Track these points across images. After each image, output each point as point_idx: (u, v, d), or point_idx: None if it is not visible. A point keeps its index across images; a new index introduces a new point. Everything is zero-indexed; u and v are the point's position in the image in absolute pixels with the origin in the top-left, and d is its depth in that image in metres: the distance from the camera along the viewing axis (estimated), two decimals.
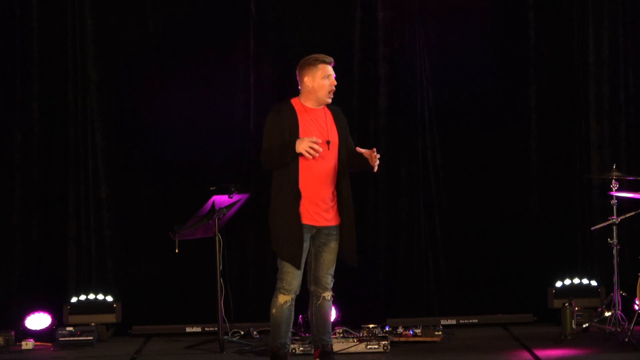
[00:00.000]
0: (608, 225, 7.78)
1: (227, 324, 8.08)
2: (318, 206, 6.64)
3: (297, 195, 6.57)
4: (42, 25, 8.62)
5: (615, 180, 7.72)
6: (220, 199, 7.73)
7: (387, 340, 7.61)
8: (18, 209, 8.62)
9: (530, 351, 7.51)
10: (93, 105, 8.66)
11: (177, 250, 7.79)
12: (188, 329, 8.54)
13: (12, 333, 8.21)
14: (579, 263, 8.78)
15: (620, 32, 8.82)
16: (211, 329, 8.37)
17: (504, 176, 8.80)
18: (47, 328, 8.39)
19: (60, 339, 8.13)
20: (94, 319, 8.39)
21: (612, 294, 7.81)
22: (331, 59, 6.69)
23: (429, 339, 7.90)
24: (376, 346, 7.57)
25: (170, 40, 8.70)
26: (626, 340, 7.42)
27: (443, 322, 8.50)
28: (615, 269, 7.71)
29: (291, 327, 6.78)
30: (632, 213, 7.80)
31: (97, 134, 8.67)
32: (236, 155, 8.61)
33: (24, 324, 8.38)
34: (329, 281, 6.79)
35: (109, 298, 8.47)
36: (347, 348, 7.54)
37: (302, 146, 6.49)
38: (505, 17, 8.85)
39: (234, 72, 8.73)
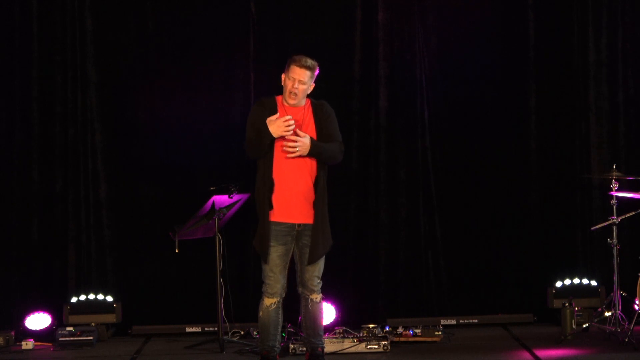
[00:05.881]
0: (608, 225, 7.78)
1: (227, 324, 8.09)
2: (293, 197, 6.64)
3: (271, 185, 6.62)
4: (42, 25, 8.62)
5: (615, 180, 7.72)
6: (220, 199, 7.74)
7: (387, 340, 7.61)
8: (18, 209, 8.62)
9: (530, 351, 7.51)
10: (93, 105, 8.66)
11: (177, 250, 7.80)
12: (188, 329, 8.54)
13: (12, 333, 8.22)
14: (579, 263, 8.79)
15: (620, 33, 8.82)
16: (211, 329, 8.37)
17: (504, 176, 8.80)
18: (47, 328, 8.40)
19: (60, 339, 8.13)
20: (94, 319, 8.39)
21: (612, 294, 7.81)
22: (308, 64, 6.64)
23: (429, 339, 7.90)
24: (376, 346, 7.58)
25: (170, 40, 8.70)
26: (626, 340, 7.43)
27: (443, 322, 8.50)
28: (615, 269, 7.71)
29: (280, 329, 6.80)
30: (632, 213, 7.80)
31: (97, 134, 8.67)
32: (236, 155, 8.59)
33: (24, 324, 8.38)
34: (316, 283, 6.79)
35: (109, 298, 8.48)
36: (347, 348, 7.54)
37: (277, 130, 6.55)
38: (505, 17, 8.85)
39: (234, 72, 8.73)
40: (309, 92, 6.76)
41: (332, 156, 6.73)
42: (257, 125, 6.66)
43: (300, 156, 6.61)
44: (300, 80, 6.65)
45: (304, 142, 6.58)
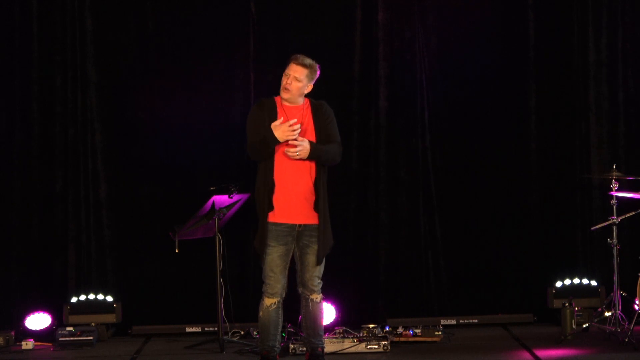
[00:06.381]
0: (608, 225, 7.78)
1: (227, 324, 8.09)
2: (294, 198, 6.64)
3: (271, 186, 6.62)
4: (42, 25, 8.62)
5: (615, 180, 7.73)
6: (220, 199, 7.74)
7: (387, 340, 7.61)
8: (18, 209, 8.62)
9: (530, 351, 7.51)
10: (93, 105, 8.66)
11: (177, 250, 7.80)
12: (188, 329, 8.54)
13: (12, 333, 8.22)
14: (579, 263, 8.79)
15: (620, 33, 8.82)
16: (211, 329, 8.37)
17: (504, 176, 8.80)
18: (47, 328, 8.40)
19: (60, 339, 8.13)
20: (94, 319, 8.39)
21: (612, 294, 7.81)
22: (306, 62, 6.67)
23: (429, 339, 7.90)
24: (376, 346, 7.57)
25: (170, 40, 8.70)
26: (626, 340, 7.42)
27: (443, 322, 8.50)
28: (615, 269, 7.71)
29: (280, 329, 6.80)
30: (632, 213, 7.80)
31: (97, 134, 8.67)
32: (236, 155, 8.61)
33: (24, 324, 8.38)
34: (316, 283, 6.79)
35: (109, 298, 8.48)
36: (347, 348, 7.54)
37: (283, 135, 6.56)
38: (505, 17, 8.85)
39: (234, 72, 8.73)
40: (305, 91, 6.75)
41: (331, 158, 6.75)
42: (259, 127, 6.65)
43: (300, 159, 6.63)
44: (295, 77, 6.66)
45: (304, 145, 6.59)
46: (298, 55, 6.73)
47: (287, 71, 6.71)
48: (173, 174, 8.68)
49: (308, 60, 6.71)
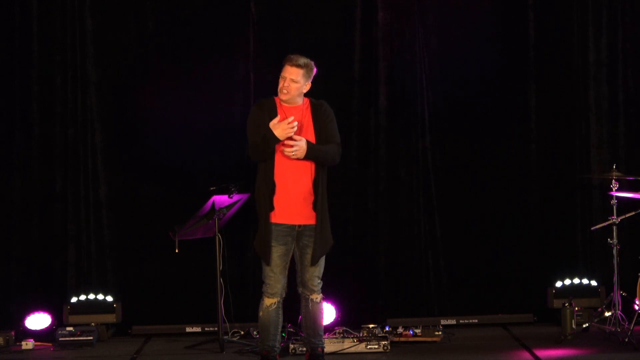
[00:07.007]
0: (608, 225, 7.78)
1: (227, 324, 8.09)
2: (293, 198, 6.64)
3: (273, 186, 6.62)
4: (42, 25, 8.62)
5: (615, 180, 7.73)
6: (220, 199, 7.74)
7: (387, 340, 7.61)
8: (18, 209, 8.62)
9: (530, 351, 7.51)
10: (93, 105, 8.66)
11: (177, 250, 7.80)
12: (188, 329, 8.54)
13: (12, 333, 8.22)
14: (579, 263, 8.79)
15: (620, 33, 8.82)
16: (211, 329, 8.37)
17: (504, 176, 8.80)
18: (47, 328, 8.40)
19: (60, 339, 8.13)
20: (94, 319, 8.40)
21: (612, 294, 7.81)
22: (300, 62, 6.66)
23: (429, 339, 7.90)
24: (376, 346, 7.58)
25: (170, 40, 8.70)
26: (626, 340, 7.43)
27: (443, 322, 8.50)
28: (615, 269, 7.71)
29: (280, 329, 6.80)
30: (632, 213, 7.80)
31: (97, 134, 8.67)
32: (236, 155, 8.61)
33: (24, 324, 8.38)
34: (316, 283, 6.79)
35: (109, 298, 8.48)
36: (347, 348, 7.54)
37: (282, 133, 6.56)
38: (505, 17, 8.85)
39: (234, 72, 8.73)
40: (303, 90, 6.74)
41: (330, 159, 6.73)
42: (259, 128, 6.64)
43: (297, 159, 6.62)
44: (291, 78, 6.65)
45: (301, 145, 6.58)
46: (292, 56, 6.71)
47: (282, 74, 6.70)
48: (173, 174, 8.68)
49: (302, 60, 6.69)
